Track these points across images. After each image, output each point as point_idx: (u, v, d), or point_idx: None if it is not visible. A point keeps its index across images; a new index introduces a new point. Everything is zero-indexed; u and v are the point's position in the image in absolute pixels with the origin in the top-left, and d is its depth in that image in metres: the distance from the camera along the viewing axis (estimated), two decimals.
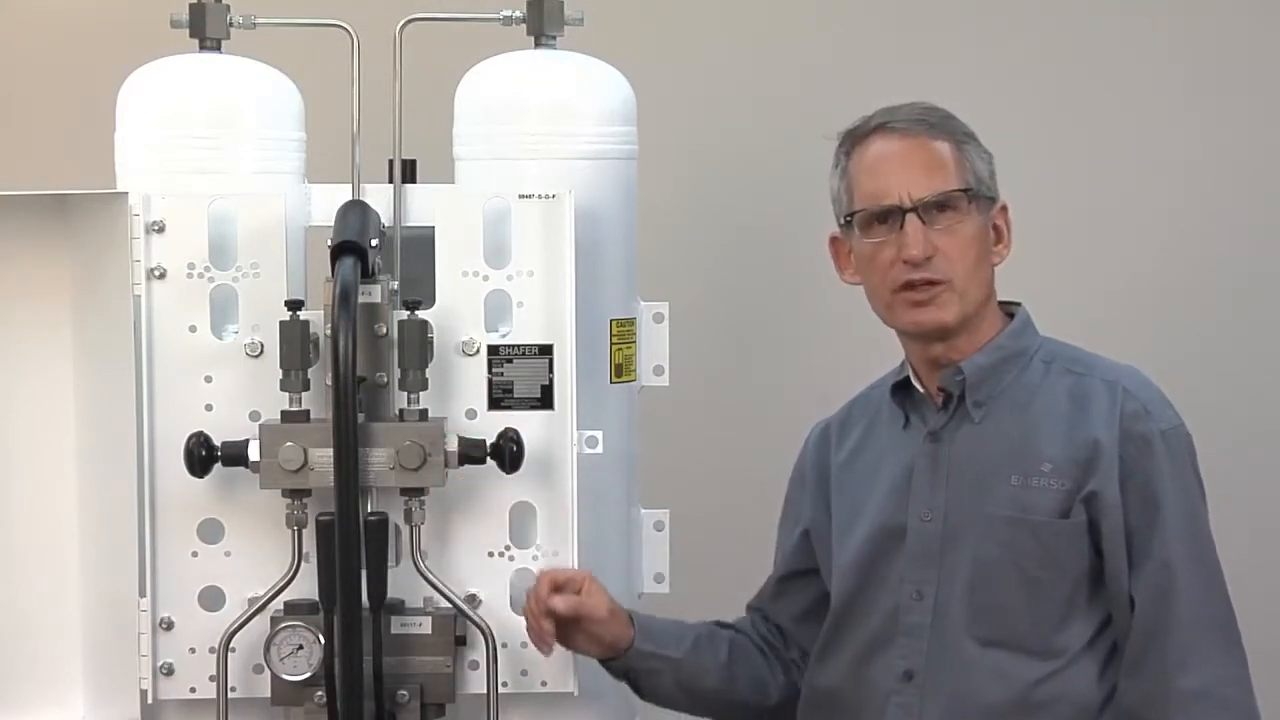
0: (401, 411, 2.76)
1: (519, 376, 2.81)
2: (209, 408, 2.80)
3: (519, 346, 2.81)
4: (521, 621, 2.81)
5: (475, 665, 2.82)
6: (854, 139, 2.76)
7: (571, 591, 2.76)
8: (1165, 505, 2.65)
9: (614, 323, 2.91)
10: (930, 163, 2.71)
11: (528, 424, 2.79)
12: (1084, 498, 2.65)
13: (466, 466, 2.75)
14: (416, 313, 2.75)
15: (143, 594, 2.81)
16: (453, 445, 2.74)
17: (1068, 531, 2.65)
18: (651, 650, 2.82)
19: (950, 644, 2.69)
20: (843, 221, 2.76)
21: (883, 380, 2.86)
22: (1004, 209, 2.76)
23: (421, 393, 2.75)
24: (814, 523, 2.87)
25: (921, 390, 2.77)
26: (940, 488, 2.72)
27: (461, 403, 2.81)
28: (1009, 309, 2.80)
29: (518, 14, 2.92)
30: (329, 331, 2.67)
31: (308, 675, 2.74)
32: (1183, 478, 2.69)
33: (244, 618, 2.77)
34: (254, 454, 2.73)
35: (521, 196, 2.80)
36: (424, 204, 2.88)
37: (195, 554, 2.81)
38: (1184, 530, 2.66)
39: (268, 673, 2.76)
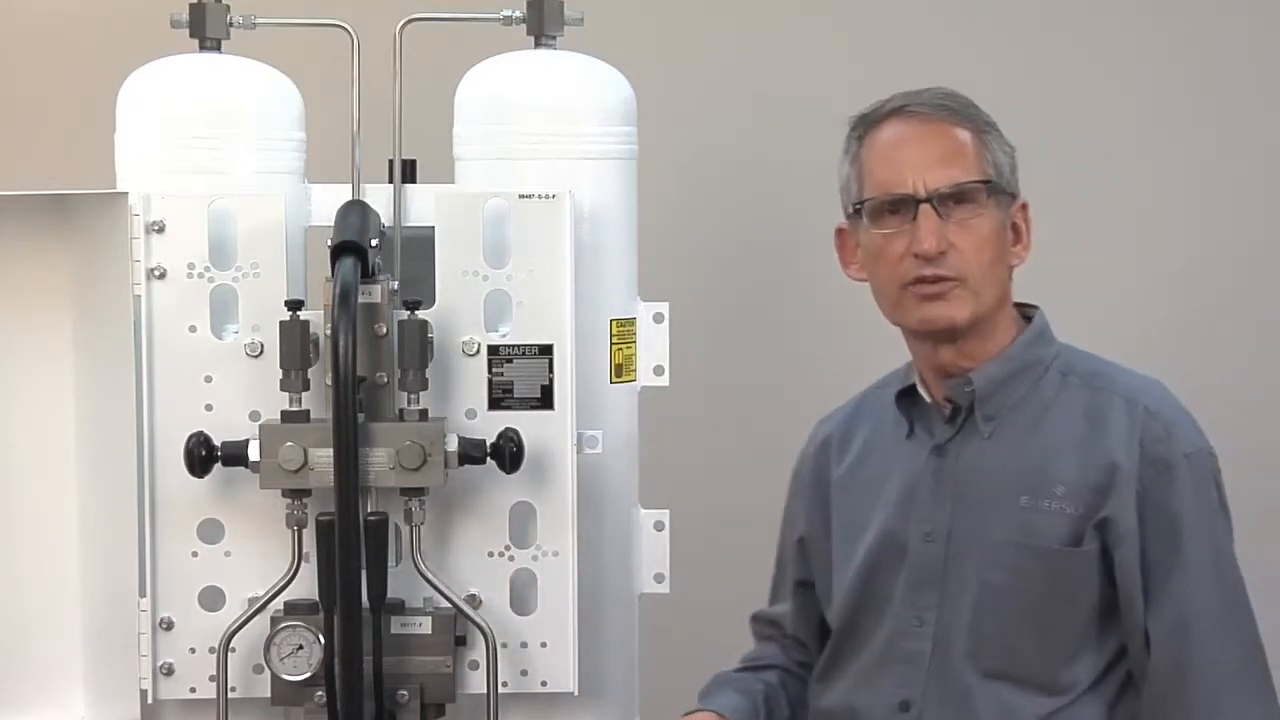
0: (401, 411, 2.76)
1: (519, 376, 2.81)
2: (209, 408, 2.79)
3: (519, 346, 2.81)
4: (522, 621, 2.81)
5: (475, 665, 2.82)
6: (868, 123, 2.61)
7: None
8: (1187, 536, 2.49)
9: (614, 323, 2.90)
10: (949, 150, 2.56)
11: (527, 424, 2.79)
12: (1097, 524, 2.50)
13: (466, 466, 2.75)
14: (416, 313, 2.75)
15: (143, 594, 2.80)
16: (453, 445, 2.74)
17: (1079, 560, 2.50)
18: None
19: (951, 675, 2.55)
20: (851, 210, 2.61)
21: (886, 381, 2.73)
22: (1024, 207, 2.61)
23: (421, 393, 2.75)
24: (809, 533, 2.77)
25: (928, 399, 2.63)
26: (944, 506, 2.58)
27: (461, 403, 2.80)
28: (1026, 313, 2.64)
29: (518, 14, 2.92)
30: (329, 331, 2.67)
31: (308, 675, 2.73)
32: (1206, 505, 2.52)
33: (244, 618, 2.77)
34: (254, 454, 2.73)
35: (521, 196, 2.80)
36: (424, 204, 2.88)
37: (195, 554, 2.81)
38: (1207, 563, 2.50)
39: (268, 673, 2.76)
